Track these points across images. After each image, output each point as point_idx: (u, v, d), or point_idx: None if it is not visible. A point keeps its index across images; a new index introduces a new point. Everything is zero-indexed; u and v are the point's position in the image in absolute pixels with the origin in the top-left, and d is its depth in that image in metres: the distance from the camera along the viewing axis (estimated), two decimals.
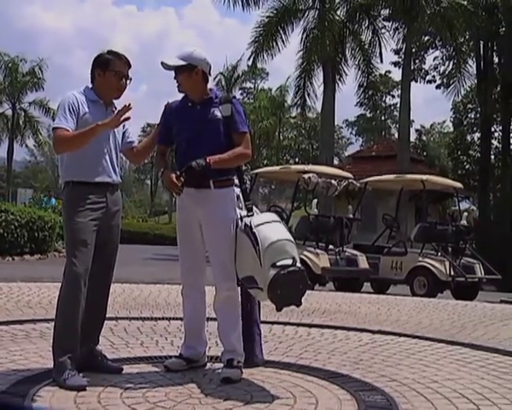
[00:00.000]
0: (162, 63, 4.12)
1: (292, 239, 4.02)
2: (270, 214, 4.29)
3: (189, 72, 4.10)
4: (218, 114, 4.14)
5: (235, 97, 4.33)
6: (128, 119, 3.97)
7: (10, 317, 6.19)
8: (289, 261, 3.86)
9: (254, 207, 4.21)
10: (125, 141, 4.31)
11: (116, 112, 3.93)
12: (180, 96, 4.29)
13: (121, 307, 7.25)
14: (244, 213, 4.17)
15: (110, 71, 4.09)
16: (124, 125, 4.24)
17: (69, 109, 3.95)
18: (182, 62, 4.08)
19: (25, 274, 11.00)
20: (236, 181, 4.26)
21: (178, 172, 4.00)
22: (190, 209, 4.16)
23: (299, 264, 3.93)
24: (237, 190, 4.28)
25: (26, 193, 35.50)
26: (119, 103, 4.18)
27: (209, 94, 4.21)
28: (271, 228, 3.98)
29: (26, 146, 47.77)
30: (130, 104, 3.90)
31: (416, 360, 4.89)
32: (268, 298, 3.89)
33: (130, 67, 4.18)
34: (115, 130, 4.12)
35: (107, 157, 4.08)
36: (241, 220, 4.09)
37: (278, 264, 3.82)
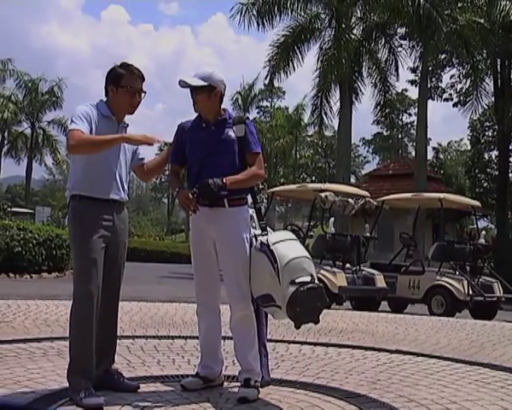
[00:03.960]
0: (182, 81, 4.12)
1: (309, 256, 4.04)
2: (285, 232, 4.32)
3: (209, 92, 4.12)
4: (231, 134, 4.17)
5: (248, 118, 4.36)
6: (151, 145, 3.99)
7: (28, 335, 6.22)
8: (308, 278, 3.88)
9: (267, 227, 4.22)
10: (136, 158, 4.26)
11: (145, 135, 3.90)
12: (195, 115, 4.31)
13: (138, 325, 7.26)
14: (258, 232, 4.17)
15: (122, 87, 4.03)
16: None
17: (84, 116, 3.89)
18: (203, 83, 4.09)
19: (42, 292, 11.06)
20: (250, 200, 4.28)
21: (194, 190, 4.01)
22: (203, 228, 4.17)
23: (317, 281, 3.95)
24: (250, 210, 4.29)
25: (44, 211, 35.82)
26: (130, 119, 4.18)
27: (223, 115, 4.24)
28: (288, 246, 4.00)
29: (45, 165, 48.31)
30: (158, 140, 3.96)
31: (434, 381, 4.84)
32: (287, 315, 3.89)
33: (143, 80, 4.12)
34: (126, 147, 4.09)
35: (117, 174, 4.05)
36: (256, 239, 4.10)
37: (297, 281, 3.83)
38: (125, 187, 4.14)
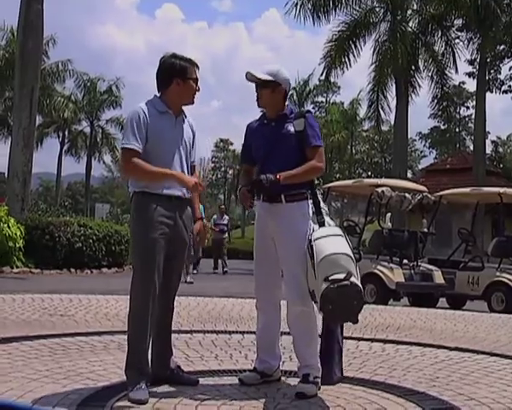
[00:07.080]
0: (249, 74, 4.17)
1: (350, 254, 3.87)
2: (331, 228, 4.12)
3: (273, 88, 4.18)
4: (291, 129, 4.18)
5: (309, 111, 4.34)
6: (200, 191, 4.09)
7: (89, 328, 6.38)
8: (342, 275, 3.74)
9: (329, 220, 4.15)
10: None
11: (194, 185, 3.96)
12: (251, 112, 4.37)
13: (196, 320, 7.35)
14: (317, 227, 4.11)
15: (189, 79, 4.05)
16: (194, 135, 4.21)
17: (137, 126, 3.89)
18: (269, 78, 4.15)
19: (102, 287, 11.30)
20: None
21: (248, 186, 4.09)
22: (264, 223, 4.22)
23: (354, 279, 3.77)
24: (312, 205, 4.25)
25: (104, 208, 36.57)
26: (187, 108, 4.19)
27: (284, 110, 4.26)
28: (329, 241, 3.91)
29: (104, 162, 49.35)
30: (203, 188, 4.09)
31: (495, 379, 4.74)
32: (319, 312, 3.87)
33: (198, 68, 4.15)
34: (186, 141, 4.10)
35: (179, 170, 4.04)
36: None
37: (330, 278, 3.73)
38: None
